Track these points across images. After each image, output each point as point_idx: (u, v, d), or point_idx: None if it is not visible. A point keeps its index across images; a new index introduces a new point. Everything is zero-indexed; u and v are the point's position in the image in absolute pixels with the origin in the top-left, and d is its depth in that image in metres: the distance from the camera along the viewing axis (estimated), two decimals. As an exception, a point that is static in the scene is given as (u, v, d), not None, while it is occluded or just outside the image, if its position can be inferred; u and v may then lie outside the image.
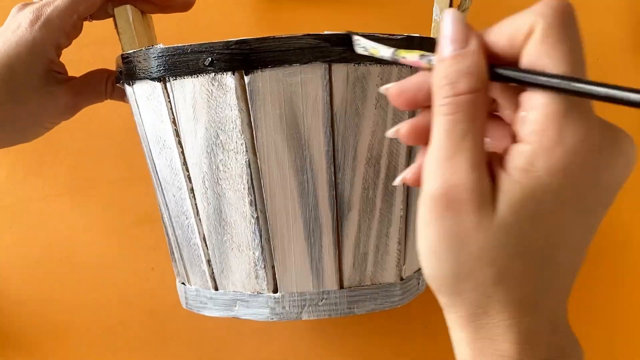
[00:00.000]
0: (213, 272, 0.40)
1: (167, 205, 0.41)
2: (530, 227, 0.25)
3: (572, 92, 0.23)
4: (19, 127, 0.41)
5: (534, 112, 0.24)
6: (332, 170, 0.36)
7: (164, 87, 0.37)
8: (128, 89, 0.40)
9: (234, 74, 0.34)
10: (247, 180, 0.36)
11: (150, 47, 0.37)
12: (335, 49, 0.34)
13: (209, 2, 0.55)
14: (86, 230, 0.56)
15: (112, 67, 0.42)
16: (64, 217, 0.56)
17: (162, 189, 0.41)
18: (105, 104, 0.45)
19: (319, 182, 0.36)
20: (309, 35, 0.34)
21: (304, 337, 0.56)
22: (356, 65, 0.35)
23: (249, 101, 0.35)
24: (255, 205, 0.37)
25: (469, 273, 0.25)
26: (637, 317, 0.56)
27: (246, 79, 0.34)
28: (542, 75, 0.24)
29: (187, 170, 0.38)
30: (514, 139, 0.25)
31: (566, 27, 0.24)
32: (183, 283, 0.43)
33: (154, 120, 0.38)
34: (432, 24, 0.41)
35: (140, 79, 0.38)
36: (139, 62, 0.37)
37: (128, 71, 0.39)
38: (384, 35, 0.35)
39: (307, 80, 0.34)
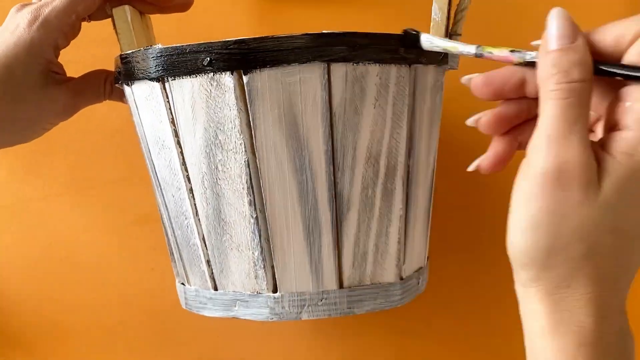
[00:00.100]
0: (212, 272, 0.40)
1: (166, 206, 0.41)
2: (627, 207, 0.27)
3: None
4: (18, 128, 0.41)
5: (639, 103, 0.27)
6: (331, 170, 0.36)
7: (162, 87, 0.37)
8: (127, 89, 0.40)
9: (232, 74, 0.34)
10: (246, 180, 0.36)
11: (149, 47, 0.37)
12: (333, 48, 0.34)
13: (208, 2, 0.55)
14: (86, 230, 0.56)
15: (111, 67, 0.42)
16: (64, 217, 0.56)
17: (161, 189, 0.41)
18: (105, 104, 0.45)
19: (318, 182, 0.36)
20: (307, 34, 0.34)
21: (304, 337, 0.56)
22: (355, 64, 0.35)
23: (247, 101, 0.35)
24: (255, 205, 0.37)
25: (563, 247, 0.27)
26: None
27: (245, 78, 0.34)
28: None
29: (186, 170, 0.38)
30: (613, 127, 0.28)
31: None
32: (183, 283, 0.43)
33: (153, 121, 0.38)
34: (432, 23, 0.41)
35: (139, 79, 0.38)
36: (138, 62, 0.37)
37: (127, 71, 0.39)
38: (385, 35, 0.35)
39: (305, 80, 0.34)
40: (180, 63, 0.35)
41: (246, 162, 0.36)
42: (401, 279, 0.41)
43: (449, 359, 0.57)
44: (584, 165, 0.27)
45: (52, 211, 0.56)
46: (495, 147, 0.33)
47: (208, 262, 0.40)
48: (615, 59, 0.28)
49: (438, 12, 0.41)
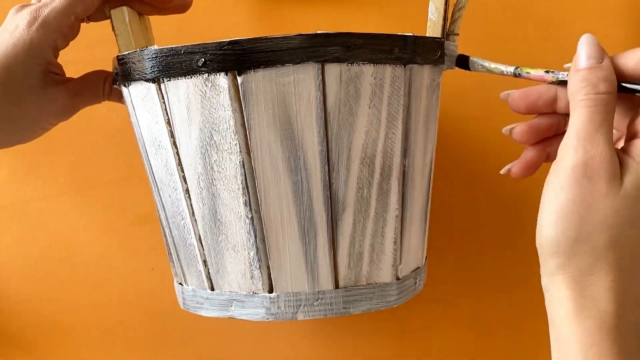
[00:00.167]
0: (209, 273, 0.40)
1: (163, 206, 0.41)
2: None
3: None
4: (17, 128, 0.42)
5: None
6: (326, 170, 0.36)
7: (158, 88, 0.37)
8: (124, 90, 0.40)
9: (227, 75, 0.34)
10: (242, 180, 0.36)
11: (144, 48, 0.37)
12: (328, 48, 0.34)
13: (208, 3, 0.55)
14: (86, 230, 0.56)
15: (110, 68, 0.43)
16: (64, 217, 0.56)
17: (158, 189, 0.41)
18: (105, 105, 0.45)
19: (313, 182, 0.36)
20: (301, 35, 0.34)
21: (303, 337, 0.56)
22: (349, 64, 0.35)
23: (242, 101, 0.35)
24: (250, 205, 0.37)
25: (588, 236, 0.31)
26: None
27: (239, 79, 0.34)
28: None
29: (182, 171, 0.38)
30: (633, 136, 0.33)
31: None
32: (180, 283, 0.43)
33: (149, 121, 0.39)
34: (428, 23, 0.41)
35: (135, 80, 0.38)
36: (134, 63, 0.37)
37: (123, 72, 0.39)
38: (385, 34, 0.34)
39: (300, 80, 0.34)
40: (175, 64, 0.35)
41: (241, 163, 0.36)
42: (397, 279, 0.40)
43: (447, 359, 0.57)
44: (608, 160, 0.31)
45: (52, 211, 0.56)
46: (526, 155, 0.39)
47: (205, 262, 0.40)
48: (636, 79, 0.33)
49: (434, 12, 0.41)
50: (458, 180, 0.56)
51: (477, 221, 0.56)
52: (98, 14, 0.42)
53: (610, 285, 0.31)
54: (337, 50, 0.34)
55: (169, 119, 0.37)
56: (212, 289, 0.40)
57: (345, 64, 0.35)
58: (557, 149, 0.37)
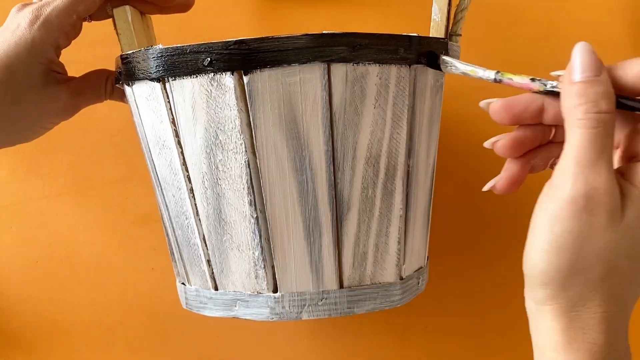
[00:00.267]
0: (213, 272, 0.40)
1: (166, 206, 0.41)
2: None
3: None
4: (19, 128, 0.41)
5: None
6: (332, 170, 0.36)
7: (163, 88, 0.37)
8: (127, 89, 0.40)
9: (232, 74, 0.34)
10: (247, 180, 0.36)
11: (149, 47, 0.37)
12: (334, 48, 0.34)
13: (208, 2, 0.55)
14: (86, 230, 0.56)
15: (112, 67, 0.42)
16: (64, 217, 0.56)
17: (161, 189, 0.41)
18: (105, 104, 0.45)
19: (318, 182, 0.36)
20: (307, 35, 0.34)
21: (304, 337, 0.56)
22: (355, 64, 0.35)
23: (248, 101, 0.35)
24: (255, 205, 0.37)
25: (584, 268, 0.29)
26: None
27: (245, 79, 0.34)
28: None
29: (187, 170, 0.38)
30: (632, 157, 0.31)
31: None
32: (183, 283, 0.43)
33: (154, 121, 0.38)
34: (431, 24, 0.41)
35: (140, 79, 0.38)
36: (138, 62, 0.37)
37: (127, 72, 0.39)
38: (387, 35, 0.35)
39: (306, 80, 0.34)
40: (180, 63, 0.35)
41: (246, 162, 0.36)
42: (401, 278, 0.41)
43: (449, 359, 0.57)
44: (610, 192, 0.28)
45: (52, 211, 0.56)
46: (510, 170, 0.35)
47: (208, 262, 0.40)
48: (635, 94, 0.30)
49: (438, 13, 0.41)
50: (458, 180, 0.56)
51: (478, 221, 0.57)
52: (100, 13, 0.42)
53: (601, 316, 0.29)
54: (343, 50, 0.34)
55: (173, 119, 0.37)
56: (216, 288, 0.40)
57: (351, 64, 0.35)
58: (541, 160, 0.35)
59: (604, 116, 0.29)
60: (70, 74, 0.43)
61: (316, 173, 0.36)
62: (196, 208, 0.39)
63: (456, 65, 0.36)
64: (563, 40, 0.55)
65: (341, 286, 0.38)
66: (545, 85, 0.32)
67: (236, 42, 0.34)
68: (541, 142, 0.35)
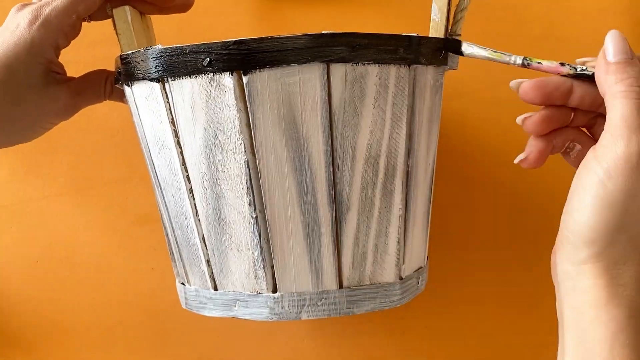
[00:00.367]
0: (212, 272, 0.40)
1: (166, 206, 0.41)
2: None
3: None
4: (18, 128, 0.41)
5: None
6: (331, 170, 0.36)
7: (162, 88, 0.37)
8: (127, 89, 0.40)
9: (232, 74, 0.34)
10: (246, 180, 0.36)
11: (149, 47, 0.37)
12: (333, 48, 0.34)
13: (208, 2, 0.55)
14: (86, 230, 0.56)
15: (111, 67, 0.42)
16: (64, 217, 0.56)
17: (161, 189, 0.41)
18: (105, 104, 0.45)
19: (318, 182, 0.36)
20: (306, 35, 0.34)
21: (304, 337, 0.56)
22: (354, 65, 0.35)
23: (247, 101, 0.35)
24: (254, 205, 0.37)
25: (628, 226, 0.31)
26: None
27: (244, 79, 0.34)
28: None
29: (186, 170, 0.38)
30: None
31: None
32: (183, 283, 0.43)
33: (153, 121, 0.39)
34: (431, 24, 0.41)
35: (139, 79, 0.38)
36: (138, 62, 0.37)
37: (127, 72, 0.39)
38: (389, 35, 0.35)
39: (305, 80, 0.34)
40: (180, 63, 0.35)
41: (246, 163, 0.36)
42: (401, 278, 0.41)
43: (448, 359, 0.57)
44: None
45: (52, 211, 0.56)
46: (538, 145, 0.38)
47: (208, 262, 0.40)
48: None
49: (437, 13, 0.41)
50: (458, 180, 0.56)
51: (477, 221, 0.57)
52: (100, 13, 0.42)
53: None
54: (342, 50, 0.34)
55: (173, 119, 0.37)
56: (216, 288, 0.40)
57: (351, 64, 0.35)
58: (561, 142, 0.38)
59: None
60: (70, 74, 0.43)
61: (315, 173, 0.36)
62: (195, 208, 0.39)
63: (477, 51, 0.38)
64: (563, 40, 0.56)
65: (341, 286, 0.38)
66: (576, 69, 0.35)
67: (235, 42, 0.34)
68: (562, 124, 0.38)
